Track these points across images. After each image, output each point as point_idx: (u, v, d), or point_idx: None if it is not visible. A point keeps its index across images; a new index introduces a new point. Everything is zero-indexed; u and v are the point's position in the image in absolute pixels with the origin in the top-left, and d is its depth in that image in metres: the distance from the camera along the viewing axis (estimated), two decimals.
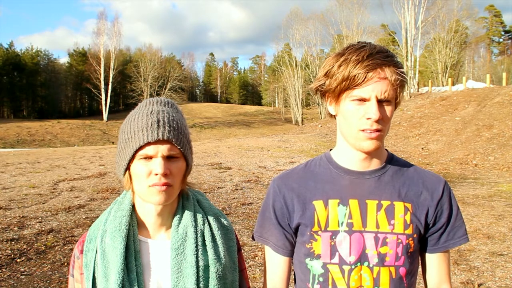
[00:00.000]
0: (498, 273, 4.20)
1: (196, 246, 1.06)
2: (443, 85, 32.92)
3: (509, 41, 66.32)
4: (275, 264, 1.19)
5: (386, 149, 1.17)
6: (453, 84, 28.33)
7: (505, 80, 25.64)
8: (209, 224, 1.11)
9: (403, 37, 29.87)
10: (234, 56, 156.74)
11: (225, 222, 1.16)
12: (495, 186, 9.37)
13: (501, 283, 3.98)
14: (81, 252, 1.08)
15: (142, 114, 1.03)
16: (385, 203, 1.09)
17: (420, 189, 1.12)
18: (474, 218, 6.35)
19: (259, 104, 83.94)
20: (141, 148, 1.00)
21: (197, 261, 1.04)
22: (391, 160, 1.16)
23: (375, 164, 1.12)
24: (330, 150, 1.21)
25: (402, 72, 1.03)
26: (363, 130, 1.02)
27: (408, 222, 1.08)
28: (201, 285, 1.04)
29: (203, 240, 1.08)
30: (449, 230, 1.13)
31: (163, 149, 1.00)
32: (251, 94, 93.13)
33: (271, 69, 74.99)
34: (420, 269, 1.19)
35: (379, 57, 1.00)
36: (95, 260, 1.03)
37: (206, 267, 1.06)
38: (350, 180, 1.11)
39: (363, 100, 1.01)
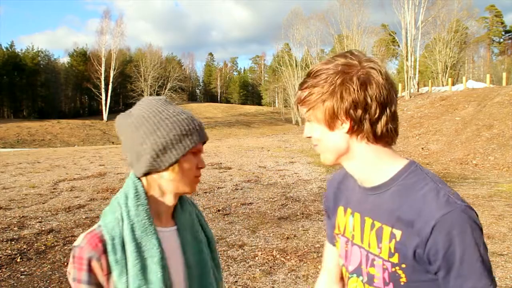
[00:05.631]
0: (498, 273, 4.19)
1: (198, 225, 1.24)
2: (443, 85, 32.87)
3: (510, 41, 66.30)
4: (326, 252, 1.31)
5: (409, 160, 1.06)
6: (453, 84, 28.31)
7: (505, 80, 25.65)
8: (195, 207, 1.31)
9: (403, 37, 29.81)
10: (235, 56, 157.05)
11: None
12: (495, 186, 9.36)
13: (501, 283, 3.97)
14: (103, 252, 1.04)
15: (183, 115, 1.13)
16: (377, 224, 1.01)
17: (414, 218, 0.92)
18: None
19: (259, 104, 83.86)
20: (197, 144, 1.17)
21: (201, 238, 1.22)
22: (401, 176, 1.01)
23: (375, 180, 1.03)
24: None
25: (306, 89, 1.00)
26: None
27: (393, 251, 0.96)
28: (208, 258, 1.21)
29: (198, 219, 1.26)
30: (450, 279, 0.89)
31: (203, 147, 1.22)
32: (251, 94, 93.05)
33: (271, 69, 74.87)
34: None
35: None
36: (125, 256, 1.04)
37: (208, 242, 1.25)
38: (361, 193, 1.08)
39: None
